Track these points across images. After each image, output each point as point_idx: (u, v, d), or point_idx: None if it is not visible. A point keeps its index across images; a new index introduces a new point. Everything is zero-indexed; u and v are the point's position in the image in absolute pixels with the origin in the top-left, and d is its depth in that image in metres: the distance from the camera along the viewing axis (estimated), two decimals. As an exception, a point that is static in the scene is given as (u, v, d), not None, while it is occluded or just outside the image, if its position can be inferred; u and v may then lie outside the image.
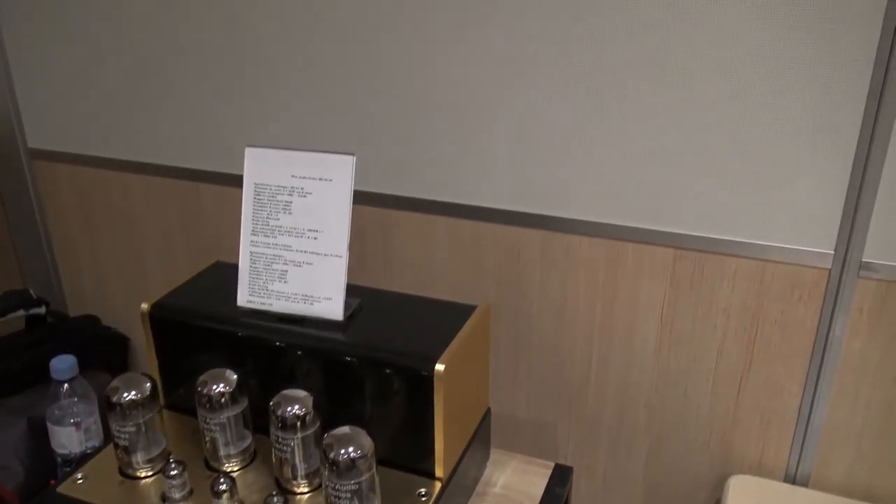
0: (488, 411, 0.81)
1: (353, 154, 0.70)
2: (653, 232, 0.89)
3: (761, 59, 0.78)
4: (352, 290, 0.75)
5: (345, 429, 0.64)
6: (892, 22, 0.72)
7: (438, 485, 0.69)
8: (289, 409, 0.67)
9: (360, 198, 1.00)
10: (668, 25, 0.80)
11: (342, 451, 0.62)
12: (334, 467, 0.63)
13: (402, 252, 1.03)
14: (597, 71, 0.84)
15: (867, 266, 0.81)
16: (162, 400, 0.79)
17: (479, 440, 0.80)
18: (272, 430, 0.68)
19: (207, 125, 1.08)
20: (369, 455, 0.63)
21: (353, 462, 0.62)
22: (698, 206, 0.86)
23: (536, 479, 0.82)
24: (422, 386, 0.66)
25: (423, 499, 0.68)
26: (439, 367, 0.66)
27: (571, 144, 0.89)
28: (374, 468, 0.64)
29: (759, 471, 0.94)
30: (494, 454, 0.87)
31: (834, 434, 0.89)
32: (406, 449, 0.70)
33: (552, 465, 0.85)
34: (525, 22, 0.85)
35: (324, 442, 0.64)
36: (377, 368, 0.68)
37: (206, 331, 0.75)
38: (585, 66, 0.85)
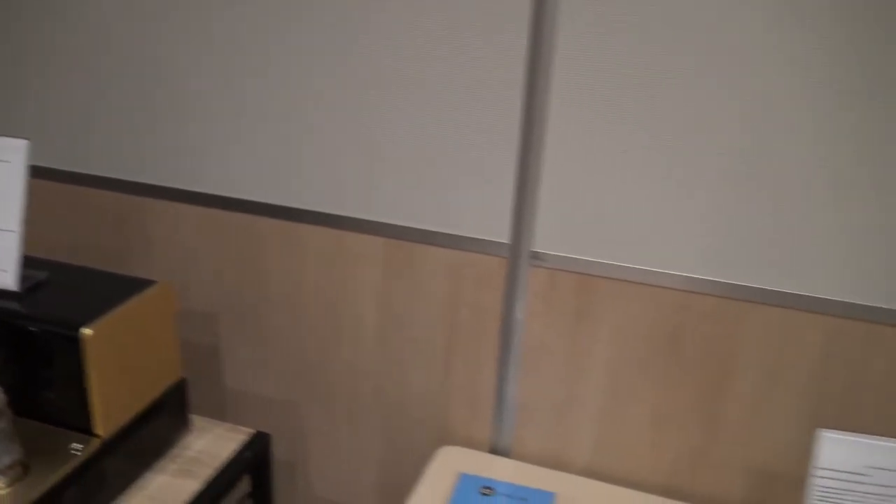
0: (182, 381, 0.88)
1: (27, 139, 0.77)
2: (365, 222, 0.97)
3: (431, 68, 0.86)
4: (47, 266, 0.83)
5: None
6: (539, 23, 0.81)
7: (97, 441, 0.76)
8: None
9: (113, 185, 1.06)
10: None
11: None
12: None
13: (161, 238, 1.09)
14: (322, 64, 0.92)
15: (536, 255, 0.90)
16: None
17: (169, 407, 0.87)
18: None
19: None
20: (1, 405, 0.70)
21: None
22: (404, 200, 0.94)
23: (233, 444, 0.90)
24: (71, 348, 0.73)
25: (77, 453, 0.75)
26: (87, 331, 0.73)
27: (300, 136, 0.95)
28: (10, 418, 0.71)
29: (470, 443, 1.03)
30: (206, 424, 0.94)
31: (525, 408, 0.98)
32: (66, 408, 0.77)
33: (253, 431, 0.93)
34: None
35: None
36: (35, 332, 0.75)
37: None
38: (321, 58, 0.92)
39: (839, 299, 0.81)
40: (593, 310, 0.91)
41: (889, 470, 0.65)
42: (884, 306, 0.80)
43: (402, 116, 0.90)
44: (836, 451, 0.65)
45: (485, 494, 0.94)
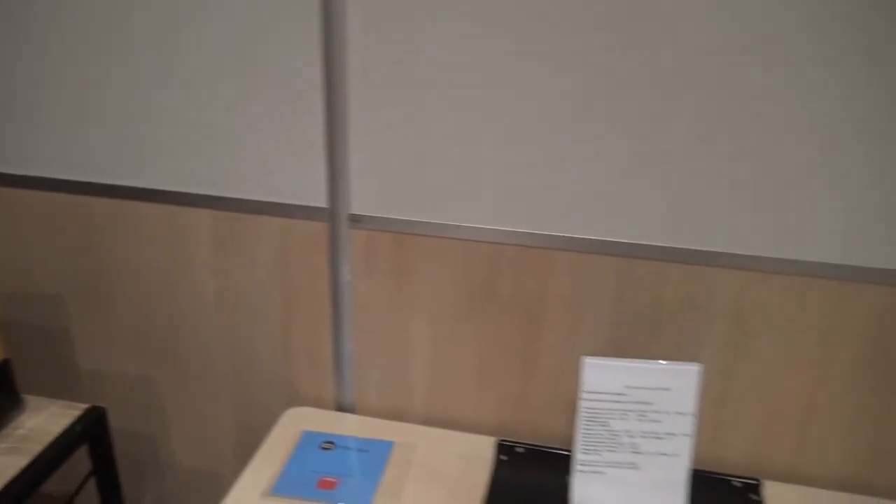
0: (6, 362, 0.89)
1: None
2: (191, 196, 0.98)
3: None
4: None
5: None
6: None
7: None
8: None
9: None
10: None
11: None
12: None
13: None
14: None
15: (355, 218, 0.94)
16: None
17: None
18: None
19: None
20: None
21: None
22: (225, 172, 0.95)
23: (67, 420, 0.91)
24: None
25: None
26: None
27: (130, 114, 0.96)
28: None
29: (317, 403, 1.07)
30: (42, 403, 0.95)
31: (363, 365, 1.03)
32: None
33: (88, 406, 0.95)
34: None
35: None
36: None
37: None
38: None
39: (627, 241, 0.88)
40: (413, 267, 0.96)
41: (645, 388, 0.72)
42: (665, 244, 0.87)
43: (209, 90, 0.91)
44: (598, 375, 0.72)
45: (325, 449, 0.98)
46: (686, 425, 0.72)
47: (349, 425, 1.02)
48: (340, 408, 1.06)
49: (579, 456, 0.73)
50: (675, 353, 0.92)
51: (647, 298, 0.90)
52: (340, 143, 0.90)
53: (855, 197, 0.80)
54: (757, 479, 0.78)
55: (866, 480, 0.94)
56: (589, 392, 0.72)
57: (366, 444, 1.00)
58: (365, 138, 0.90)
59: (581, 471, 0.73)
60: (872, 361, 0.88)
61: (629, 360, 0.71)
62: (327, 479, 0.93)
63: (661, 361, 0.71)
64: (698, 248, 0.86)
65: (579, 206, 0.87)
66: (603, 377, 0.72)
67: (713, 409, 0.94)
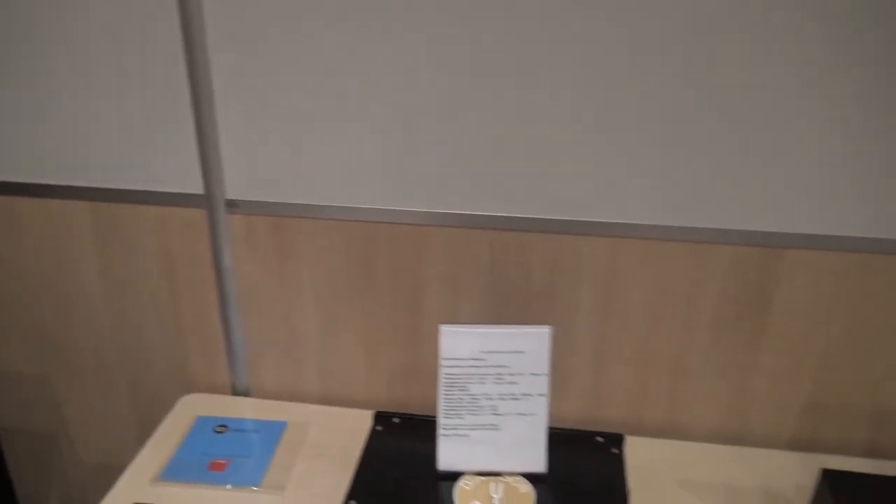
0: None
1: None
2: (69, 188, 0.97)
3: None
4: None
5: None
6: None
7: None
8: None
9: None
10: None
11: None
12: None
13: None
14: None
15: (232, 203, 0.95)
16: None
17: None
18: None
19: None
20: None
21: None
22: (102, 163, 0.95)
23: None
24: None
25: None
26: None
27: (8, 108, 0.95)
28: None
29: (213, 389, 1.08)
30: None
31: (254, 349, 1.04)
32: None
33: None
34: None
35: None
36: None
37: None
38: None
39: (496, 214, 0.90)
40: (294, 249, 0.97)
41: (500, 352, 0.75)
42: (533, 216, 0.90)
43: (76, 81, 0.90)
44: (455, 342, 0.75)
45: (218, 433, 0.99)
46: (541, 385, 0.75)
47: (244, 409, 1.04)
48: (236, 392, 1.07)
49: (443, 420, 0.76)
50: (550, 319, 0.95)
51: (520, 268, 0.93)
52: (210, 130, 0.90)
53: (708, 162, 0.84)
54: (620, 434, 0.82)
55: (737, 432, 0.99)
56: (448, 359, 0.75)
57: (259, 425, 1.01)
58: (234, 124, 0.90)
59: (445, 435, 0.76)
60: (732, 319, 0.93)
61: (484, 326, 0.74)
62: (218, 461, 0.94)
63: (514, 326, 0.74)
64: (564, 217, 0.90)
65: (450, 182, 0.90)
66: (460, 344, 0.74)
67: (590, 372, 0.98)
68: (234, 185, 0.94)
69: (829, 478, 0.77)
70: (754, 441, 0.99)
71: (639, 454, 0.94)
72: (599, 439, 0.81)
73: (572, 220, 0.90)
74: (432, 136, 0.88)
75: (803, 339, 0.92)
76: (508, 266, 0.93)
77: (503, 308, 0.95)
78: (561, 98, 0.83)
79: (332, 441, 0.96)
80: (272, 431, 1.00)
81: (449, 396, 0.75)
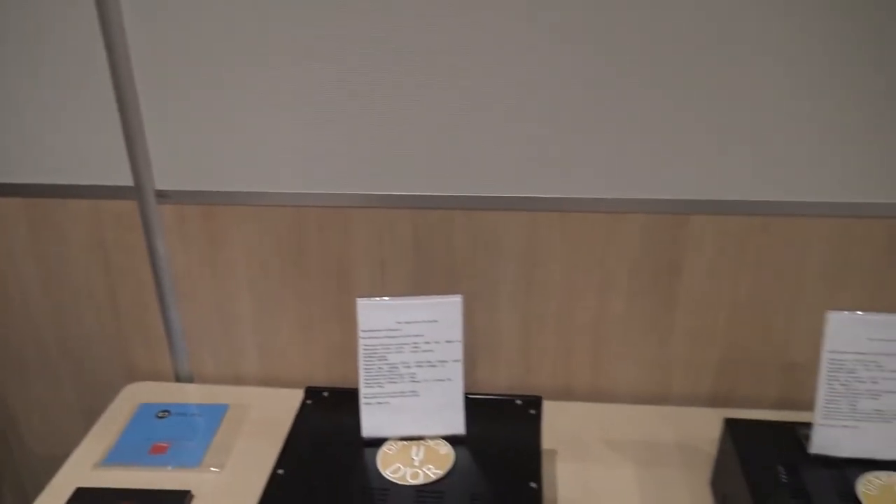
0: None
1: None
2: (4, 185, 0.99)
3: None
4: None
5: None
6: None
7: None
8: None
9: None
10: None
11: None
12: None
13: None
14: None
15: (162, 193, 0.98)
16: None
17: None
18: None
19: None
20: None
21: None
22: (28, 157, 0.96)
23: None
24: None
25: None
26: None
27: None
28: None
29: (157, 377, 1.11)
30: None
31: (194, 335, 1.07)
32: None
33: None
34: None
35: None
36: None
37: None
38: None
39: (417, 194, 0.94)
40: (225, 236, 1.00)
41: (415, 322, 0.79)
42: (452, 194, 0.94)
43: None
44: (372, 314, 0.79)
45: (161, 418, 1.02)
46: (456, 352, 0.79)
47: (187, 394, 1.06)
48: (179, 379, 1.10)
49: (364, 390, 0.79)
50: (475, 293, 0.99)
51: (442, 245, 0.97)
52: (136, 121, 0.92)
53: (617, 138, 0.89)
54: (538, 396, 0.86)
55: (658, 393, 1.04)
56: (366, 331, 0.78)
57: (201, 409, 1.04)
58: (159, 115, 0.92)
59: (367, 403, 0.79)
60: (647, 284, 0.97)
61: (399, 297, 0.78)
62: (160, 444, 0.97)
63: (426, 297, 0.78)
64: (483, 194, 0.94)
65: (371, 164, 0.93)
66: (376, 316, 0.78)
67: (518, 342, 1.03)
68: (163, 176, 0.96)
69: (732, 426, 0.82)
70: (675, 400, 1.04)
71: (566, 418, 0.99)
72: (518, 402, 0.85)
73: (491, 196, 0.93)
74: (352, 120, 0.91)
75: (713, 301, 0.97)
76: (432, 243, 0.97)
77: (430, 284, 0.99)
78: (474, 77, 0.87)
79: (272, 419, 0.99)
80: (213, 414, 1.03)
81: (369, 367, 0.79)
